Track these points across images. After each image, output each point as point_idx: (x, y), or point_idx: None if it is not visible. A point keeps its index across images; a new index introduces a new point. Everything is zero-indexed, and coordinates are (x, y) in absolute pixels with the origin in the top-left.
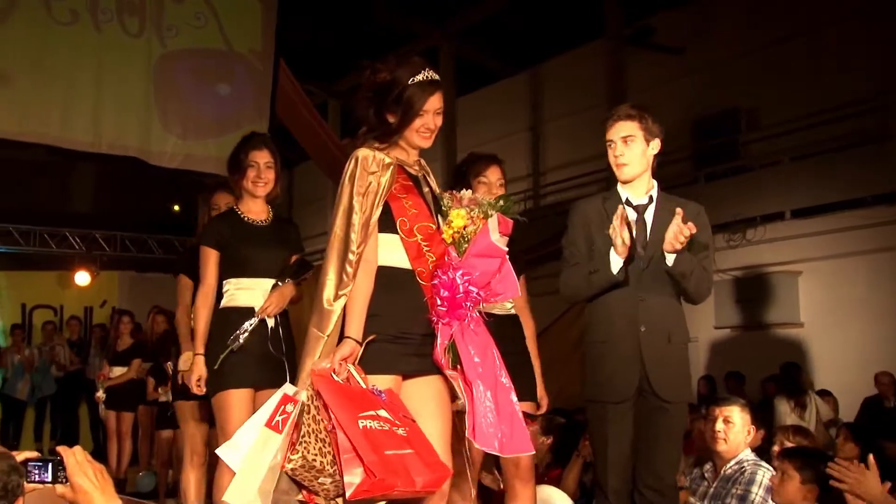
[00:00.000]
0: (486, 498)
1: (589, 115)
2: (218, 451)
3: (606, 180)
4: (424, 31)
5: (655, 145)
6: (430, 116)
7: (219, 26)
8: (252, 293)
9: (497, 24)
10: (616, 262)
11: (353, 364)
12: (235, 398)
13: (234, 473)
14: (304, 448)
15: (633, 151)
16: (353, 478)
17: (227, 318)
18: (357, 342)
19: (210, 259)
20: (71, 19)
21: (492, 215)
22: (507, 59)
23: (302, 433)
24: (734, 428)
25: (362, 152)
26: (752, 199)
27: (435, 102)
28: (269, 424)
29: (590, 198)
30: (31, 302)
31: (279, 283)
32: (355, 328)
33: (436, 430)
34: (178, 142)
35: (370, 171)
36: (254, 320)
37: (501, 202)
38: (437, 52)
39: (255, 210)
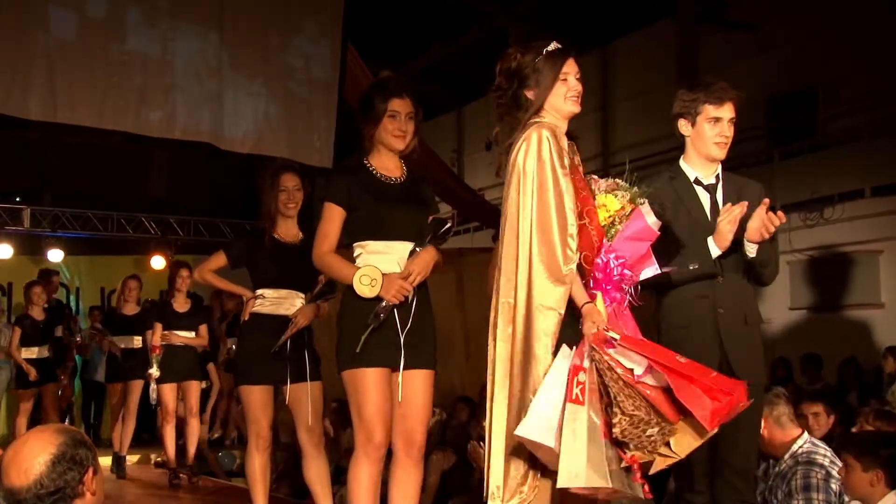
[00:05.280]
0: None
1: (659, 94)
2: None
3: (677, 160)
4: (493, 12)
5: None
6: None
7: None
8: (388, 258)
9: (565, 4)
10: (715, 254)
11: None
12: (372, 378)
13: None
14: (620, 408)
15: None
16: (703, 410)
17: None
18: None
19: (335, 218)
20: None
21: (643, 202)
22: (575, 39)
23: (612, 394)
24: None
25: None
26: (829, 176)
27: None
28: (571, 399)
29: (655, 177)
30: (109, 286)
31: (418, 248)
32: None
33: None
34: (249, 127)
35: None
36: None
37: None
38: (505, 32)
39: (390, 166)
